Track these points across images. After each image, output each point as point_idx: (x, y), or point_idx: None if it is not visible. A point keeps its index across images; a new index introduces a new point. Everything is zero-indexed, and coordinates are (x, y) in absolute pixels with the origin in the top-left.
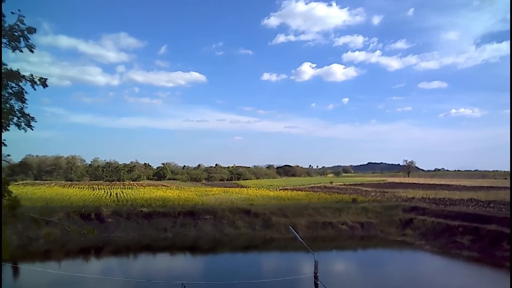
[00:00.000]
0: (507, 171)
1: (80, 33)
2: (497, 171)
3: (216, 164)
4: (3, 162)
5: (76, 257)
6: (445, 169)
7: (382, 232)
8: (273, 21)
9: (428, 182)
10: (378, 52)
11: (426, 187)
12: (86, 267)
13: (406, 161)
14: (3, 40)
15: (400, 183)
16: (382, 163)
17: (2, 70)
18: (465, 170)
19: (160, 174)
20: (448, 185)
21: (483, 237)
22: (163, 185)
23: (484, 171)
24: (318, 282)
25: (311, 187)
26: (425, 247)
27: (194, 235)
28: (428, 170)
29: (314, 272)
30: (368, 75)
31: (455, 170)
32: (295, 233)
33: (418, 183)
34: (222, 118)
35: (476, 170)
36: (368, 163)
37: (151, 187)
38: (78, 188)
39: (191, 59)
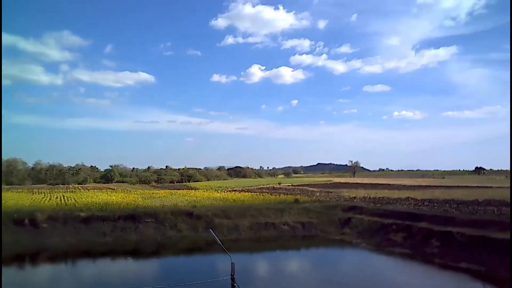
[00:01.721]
0: (446, 170)
1: (19, 30)
2: (436, 170)
3: (166, 166)
4: None
5: (9, 265)
6: (389, 169)
7: (322, 232)
8: (221, 22)
9: (372, 181)
10: (324, 56)
11: (369, 186)
12: (22, 276)
13: (351, 161)
14: None
15: (346, 183)
16: (330, 163)
17: None
18: (407, 170)
19: (108, 177)
20: (389, 184)
21: (414, 234)
22: (109, 188)
23: (425, 170)
24: (235, 284)
25: (260, 188)
26: (361, 245)
27: (134, 239)
28: (373, 170)
29: (231, 274)
30: (315, 78)
31: (398, 170)
32: (214, 235)
33: (362, 183)
34: (173, 119)
35: (417, 169)
36: (318, 163)
37: (96, 190)
38: (17, 192)
39: (139, 59)
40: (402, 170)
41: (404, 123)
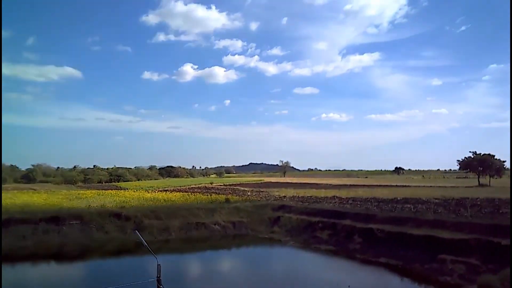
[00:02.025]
0: (369, 170)
1: None
2: (361, 170)
3: (94, 166)
4: None
5: None
6: (318, 169)
7: (252, 230)
8: (152, 19)
9: (301, 181)
10: (256, 57)
11: (298, 186)
12: None
13: (282, 161)
14: None
15: (276, 182)
16: (262, 163)
17: None
18: (334, 170)
19: (30, 177)
20: (317, 183)
21: (339, 231)
22: (31, 189)
23: (350, 170)
24: (161, 286)
25: (191, 188)
26: (289, 243)
27: (58, 242)
28: (303, 170)
29: (157, 276)
30: (248, 79)
31: (325, 170)
32: (140, 236)
33: (291, 183)
34: (101, 117)
35: (344, 169)
36: (250, 163)
37: (16, 191)
38: None
39: (64, 53)
40: (329, 170)
41: (331, 125)
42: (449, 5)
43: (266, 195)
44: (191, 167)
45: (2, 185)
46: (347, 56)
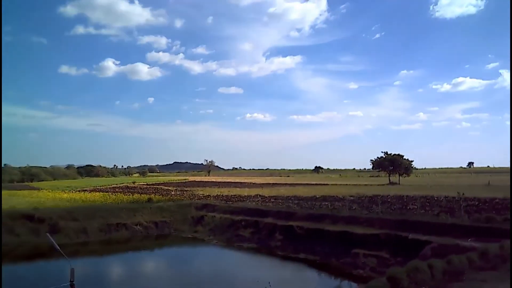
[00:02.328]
0: (291, 169)
1: None
2: (283, 169)
3: (5, 164)
4: None
5: None
6: (242, 168)
7: (176, 230)
8: (70, 10)
9: (225, 180)
10: (181, 55)
11: (223, 185)
12: None
13: (207, 160)
14: None
15: (201, 181)
16: (187, 162)
17: None
18: (258, 169)
19: None
20: (241, 182)
21: (261, 229)
22: None
23: (274, 169)
24: None
25: (112, 187)
26: (213, 241)
27: None
28: (228, 169)
29: (70, 280)
30: (172, 77)
31: (250, 169)
32: (51, 239)
33: (216, 181)
34: (13, 112)
35: (267, 168)
36: (174, 162)
37: None
38: None
39: None
40: (253, 169)
41: (256, 125)
42: (365, 14)
43: (190, 194)
44: (112, 166)
45: None
46: (271, 58)
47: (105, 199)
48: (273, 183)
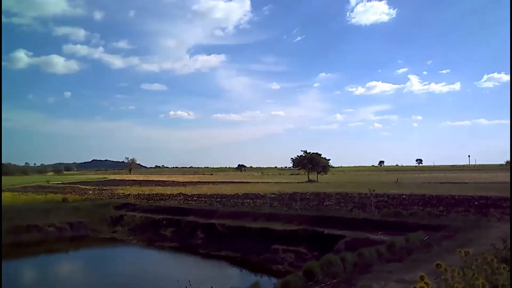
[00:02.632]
0: (215, 167)
1: None
2: (207, 167)
3: None
4: None
5: None
6: (165, 166)
7: (93, 231)
8: None
9: (147, 178)
10: (101, 49)
11: (144, 183)
12: None
13: (128, 158)
14: None
15: (121, 180)
16: (107, 160)
17: None
18: (181, 167)
19: None
20: (164, 181)
21: (183, 228)
22: None
23: (197, 167)
24: None
25: (24, 187)
26: (133, 241)
27: None
28: (150, 167)
29: None
30: (91, 71)
31: (173, 167)
32: None
33: (137, 180)
34: None
35: (191, 167)
36: (93, 160)
37: None
38: None
39: None
40: (176, 167)
41: (179, 123)
42: (287, 16)
43: (110, 194)
44: (23, 164)
45: None
46: (195, 56)
47: (14, 200)
48: (196, 182)
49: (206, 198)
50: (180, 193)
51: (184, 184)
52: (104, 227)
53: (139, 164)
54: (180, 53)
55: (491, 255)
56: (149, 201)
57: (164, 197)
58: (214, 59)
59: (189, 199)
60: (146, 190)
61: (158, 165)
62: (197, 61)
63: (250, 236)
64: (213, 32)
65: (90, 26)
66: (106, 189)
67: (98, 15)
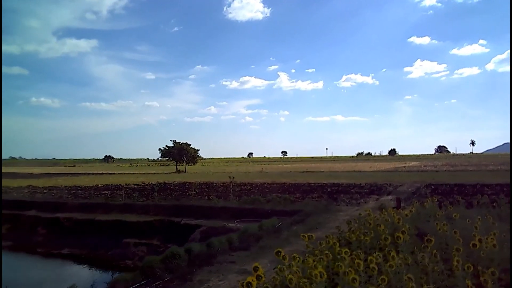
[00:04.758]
0: (78, 159)
1: None
2: (71, 159)
3: None
4: None
5: None
6: (23, 157)
7: None
8: None
9: None
10: None
11: None
12: None
13: None
14: None
15: None
16: None
17: None
18: (42, 159)
19: None
20: (15, 173)
21: (22, 224)
22: None
23: (60, 159)
24: None
25: None
26: None
27: None
28: (4, 159)
29: None
30: None
31: (32, 159)
32: None
33: None
34: None
35: (53, 158)
36: None
37: None
38: None
39: None
40: (36, 159)
41: (42, 110)
42: (164, 5)
43: None
44: None
45: None
46: (63, 39)
47: None
48: (53, 173)
49: (58, 190)
50: (29, 186)
51: (38, 176)
52: None
53: None
54: (45, 35)
55: (334, 239)
56: None
57: (8, 190)
58: (84, 44)
59: (38, 191)
60: None
61: (14, 156)
62: (65, 44)
63: (101, 230)
64: (85, 15)
65: None
66: None
67: None
